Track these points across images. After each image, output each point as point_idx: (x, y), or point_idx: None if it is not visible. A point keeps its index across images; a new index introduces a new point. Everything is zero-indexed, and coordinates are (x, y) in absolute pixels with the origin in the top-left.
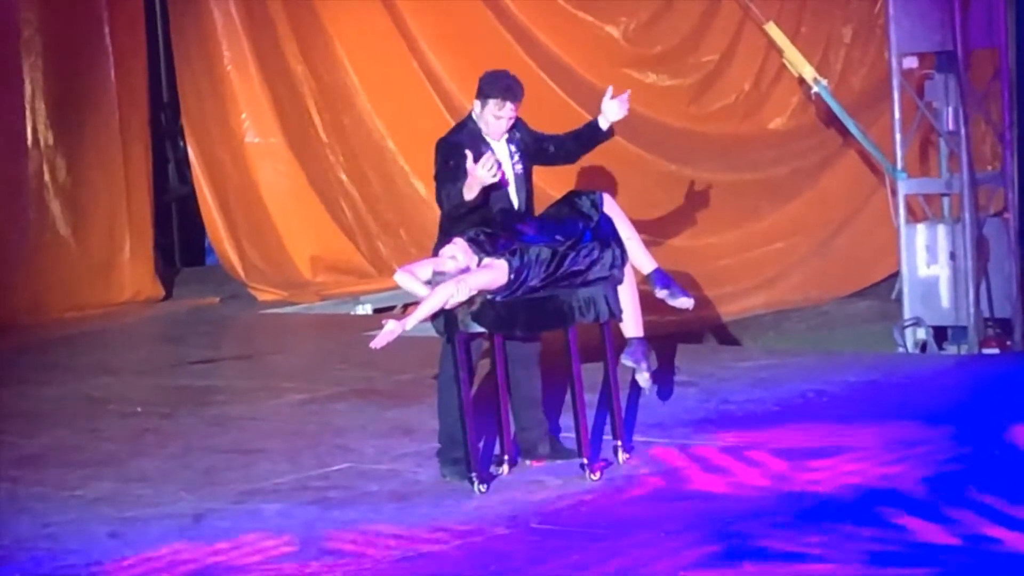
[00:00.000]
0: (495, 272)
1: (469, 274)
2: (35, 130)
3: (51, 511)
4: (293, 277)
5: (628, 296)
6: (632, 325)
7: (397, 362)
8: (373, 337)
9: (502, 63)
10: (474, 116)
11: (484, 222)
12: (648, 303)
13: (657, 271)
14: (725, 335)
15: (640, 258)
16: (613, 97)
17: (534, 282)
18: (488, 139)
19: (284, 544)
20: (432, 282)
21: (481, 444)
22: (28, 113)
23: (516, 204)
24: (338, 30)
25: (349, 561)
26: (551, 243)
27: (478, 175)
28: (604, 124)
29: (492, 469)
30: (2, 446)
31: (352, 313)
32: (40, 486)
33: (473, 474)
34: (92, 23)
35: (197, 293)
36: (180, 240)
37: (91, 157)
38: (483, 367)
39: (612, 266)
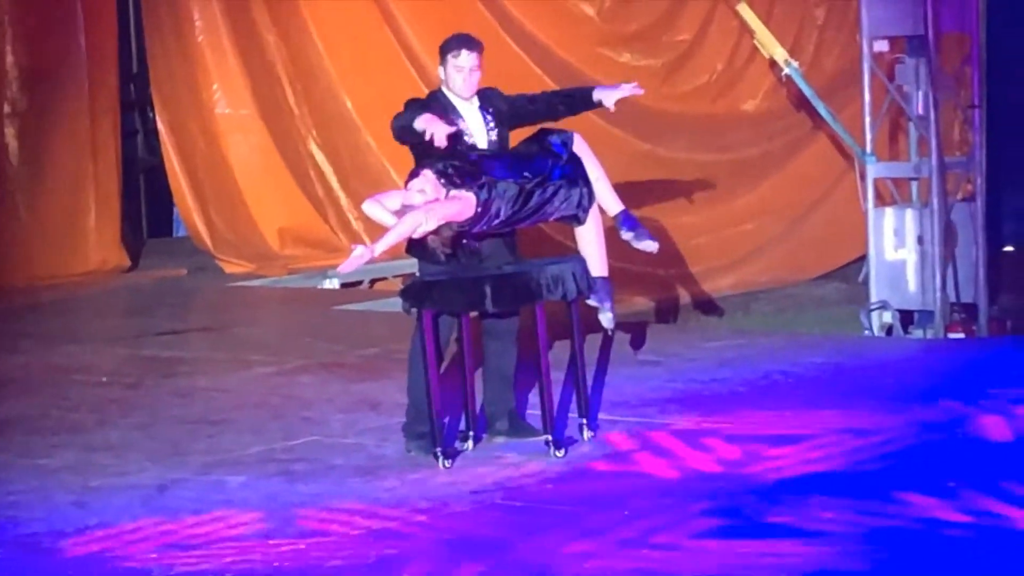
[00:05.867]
0: (463, 203)
1: (437, 203)
2: (3, 98)
3: (15, 479)
4: (261, 249)
5: (593, 235)
6: (597, 265)
7: (364, 336)
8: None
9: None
10: (443, 88)
11: (453, 156)
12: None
13: (624, 212)
14: (708, 306)
15: (607, 199)
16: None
17: (501, 217)
18: (458, 107)
19: (250, 520)
20: (400, 214)
21: (448, 420)
22: None
23: None
24: (310, 2)
25: (315, 537)
26: (519, 180)
27: (430, 127)
28: (596, 97)
29: (457, 444)
30: None
31: (319, 287)
32: (4, 454)
33: (438, 449)
34: None
35: (165, 264)
36: (148, 211)
37: (58, 126)
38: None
39: (579, 205)
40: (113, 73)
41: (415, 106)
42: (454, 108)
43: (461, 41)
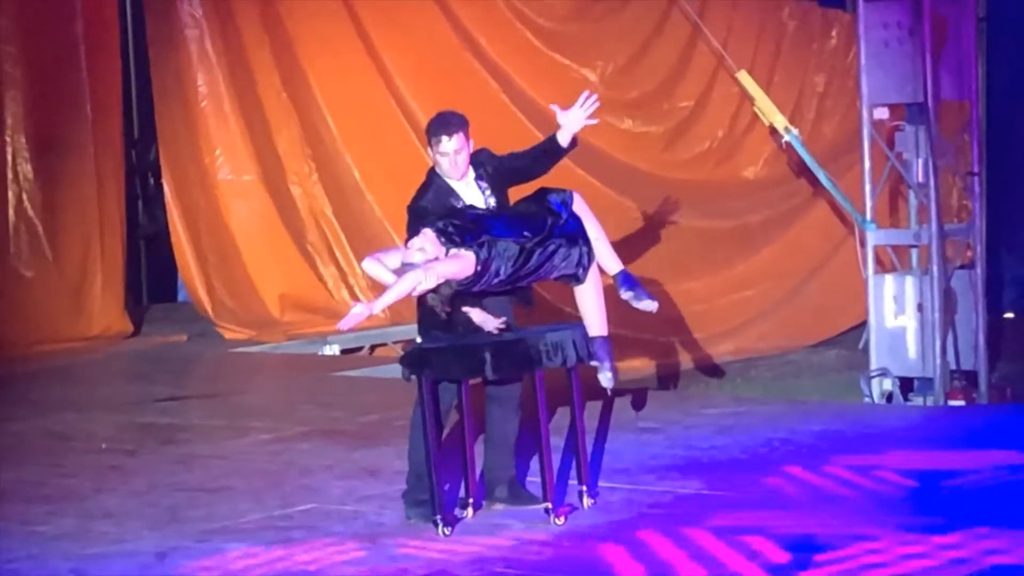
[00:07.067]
0: (463, 262)
1: (437, 262)
2: (14, 163)
3: (13, 547)
4: (261, 315)
5: (593, 295)
6: (596, 324)
7: (363, 403)
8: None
9: (480, 103)
10: (436, 169)
11: (453, 215)
12: (629, 347)
13: (623, 273)
14: (710, 368)
15: (607, 259)
16: (564, 109)
17: (501, 276)
18: (454, 187)
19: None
20: (400, 272)
21: (448, 487)
22: (8, 147)
23: None
24: (314, 69)
25: None
26: (519, 239)
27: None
28: (564, 140)
29: (457, 512)
30: None
31: (319, 353)
32: (2, 521)
33: (438, 516)
34: (71, 58)
35: (166, 330)
36: (148, 277)
37: (67, 192)
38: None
39: (578, 264)
40: (119, 141)
41: (418, 224)
42: (451, 190)
43: (439, 126)
